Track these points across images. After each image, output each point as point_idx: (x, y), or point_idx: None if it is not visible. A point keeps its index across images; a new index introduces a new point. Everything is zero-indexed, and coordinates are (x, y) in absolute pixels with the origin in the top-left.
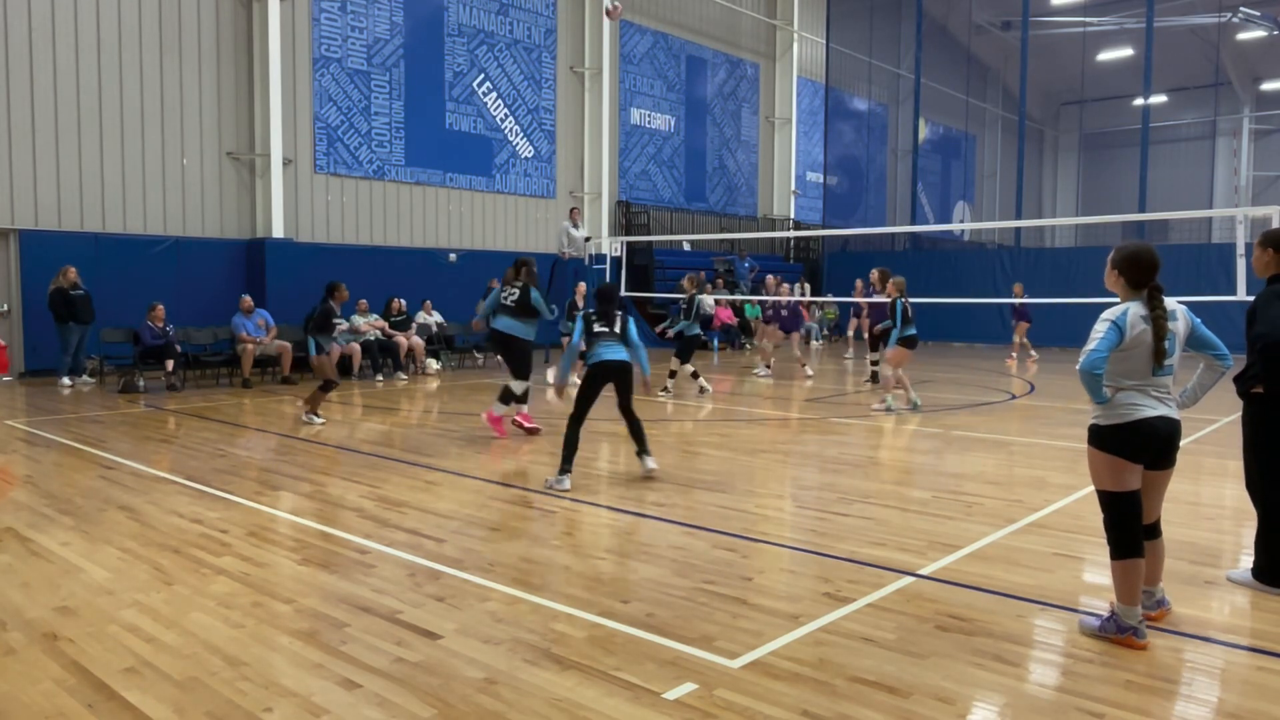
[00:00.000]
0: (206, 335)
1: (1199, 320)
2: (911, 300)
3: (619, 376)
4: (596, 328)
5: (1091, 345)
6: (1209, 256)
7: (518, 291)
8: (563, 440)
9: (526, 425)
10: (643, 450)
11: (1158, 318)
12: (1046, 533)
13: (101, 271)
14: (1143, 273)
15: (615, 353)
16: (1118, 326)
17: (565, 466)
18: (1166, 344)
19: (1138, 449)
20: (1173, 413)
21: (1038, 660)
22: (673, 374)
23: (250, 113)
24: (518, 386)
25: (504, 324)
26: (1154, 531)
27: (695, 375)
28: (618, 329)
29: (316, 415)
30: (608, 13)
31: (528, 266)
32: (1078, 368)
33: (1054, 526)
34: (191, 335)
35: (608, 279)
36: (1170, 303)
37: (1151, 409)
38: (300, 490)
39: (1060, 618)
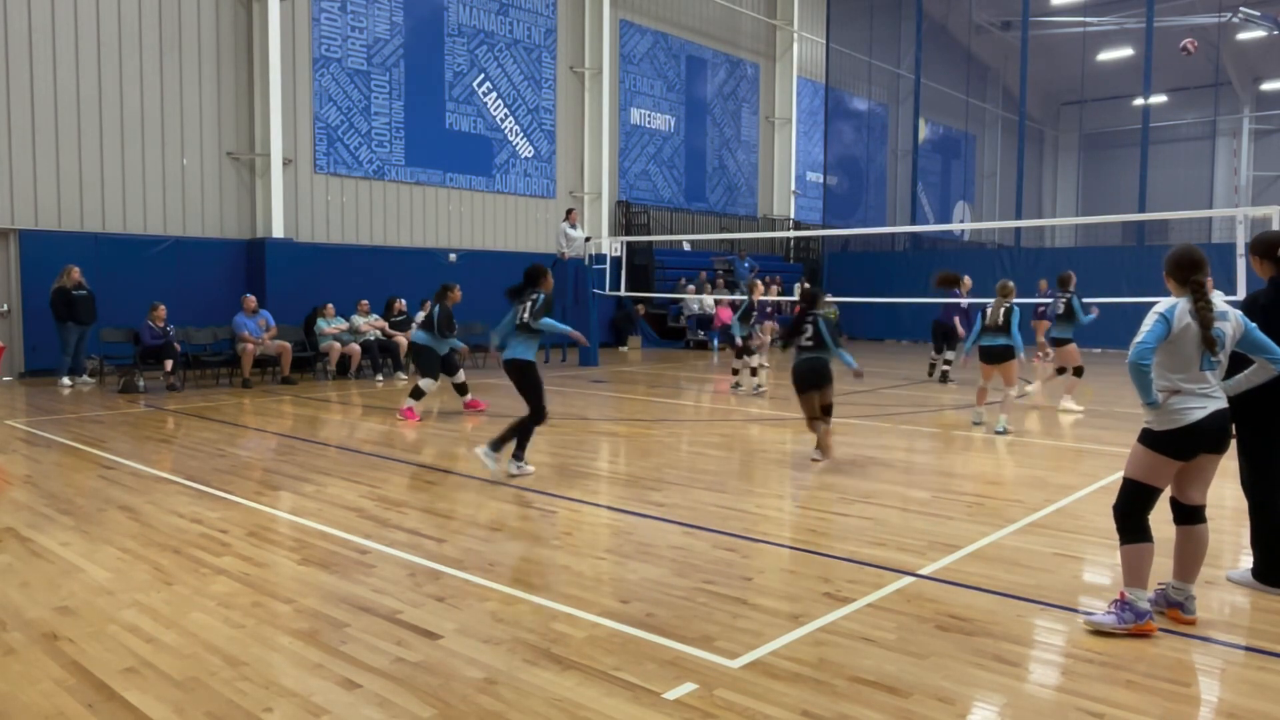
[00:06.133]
0: (206, 335)
1: (1253, 325)
2: (910, 300)
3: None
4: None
5: (1140, 337)
6: (1209, 257)
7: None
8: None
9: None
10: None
11: (1202, 309)
12: (1046, 533)
13: (101, 271)
14: (1184, 269)
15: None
16: (1165, 319)
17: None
18: (1215, 333)
19: (1189, 450)
20: (1220, 403)
21: (1038, 660)
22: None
23: (250, 113)
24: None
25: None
26: (1197, 516)
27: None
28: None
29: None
30: (1186, 49)
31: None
32: (1127, 360)
33: (1054, 526)
34: (191, 335)
35: (608, 279)
36: (1222, 303)
37: (1200, 409)
38: (300, 490)
39: (1060, 618)
